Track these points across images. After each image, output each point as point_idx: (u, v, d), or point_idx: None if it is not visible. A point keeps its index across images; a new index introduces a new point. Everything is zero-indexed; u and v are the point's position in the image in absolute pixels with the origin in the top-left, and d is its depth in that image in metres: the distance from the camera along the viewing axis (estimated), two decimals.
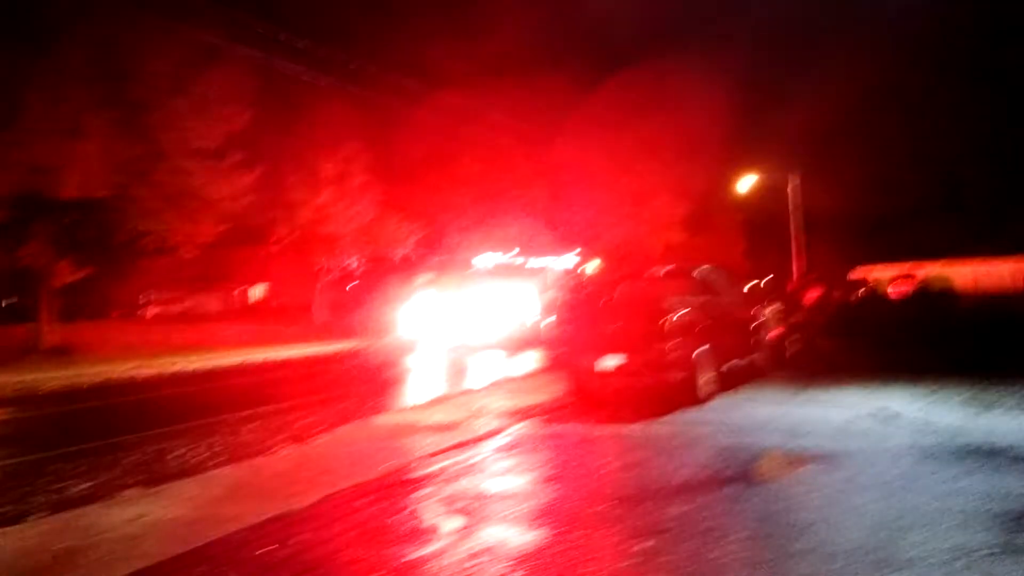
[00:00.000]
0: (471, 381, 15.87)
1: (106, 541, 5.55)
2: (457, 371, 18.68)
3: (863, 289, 37.96)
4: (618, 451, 7.87)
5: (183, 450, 9.32)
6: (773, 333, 13.52)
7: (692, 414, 9.80)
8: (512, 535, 5.31)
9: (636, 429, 8.99)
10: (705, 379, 10.47)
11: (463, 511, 5.91)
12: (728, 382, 11.37)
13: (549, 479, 6.91)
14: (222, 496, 6.70)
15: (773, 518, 5.39)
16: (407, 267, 32.74)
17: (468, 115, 41.34)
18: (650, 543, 4.93)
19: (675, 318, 9.85)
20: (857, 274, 32.70)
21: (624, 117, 47.00)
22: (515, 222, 42.16)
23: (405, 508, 6.06)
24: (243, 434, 10.38)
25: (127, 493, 7.09)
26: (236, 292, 54.45)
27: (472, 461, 7.68)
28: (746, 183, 42.79)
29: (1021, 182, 57.60)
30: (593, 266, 36.03)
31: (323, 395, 14.38)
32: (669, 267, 12.69)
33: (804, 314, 15.42)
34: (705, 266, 12.30)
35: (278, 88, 29.62)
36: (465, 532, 5.39)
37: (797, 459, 7.03)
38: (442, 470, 7.31)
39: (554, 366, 11.34)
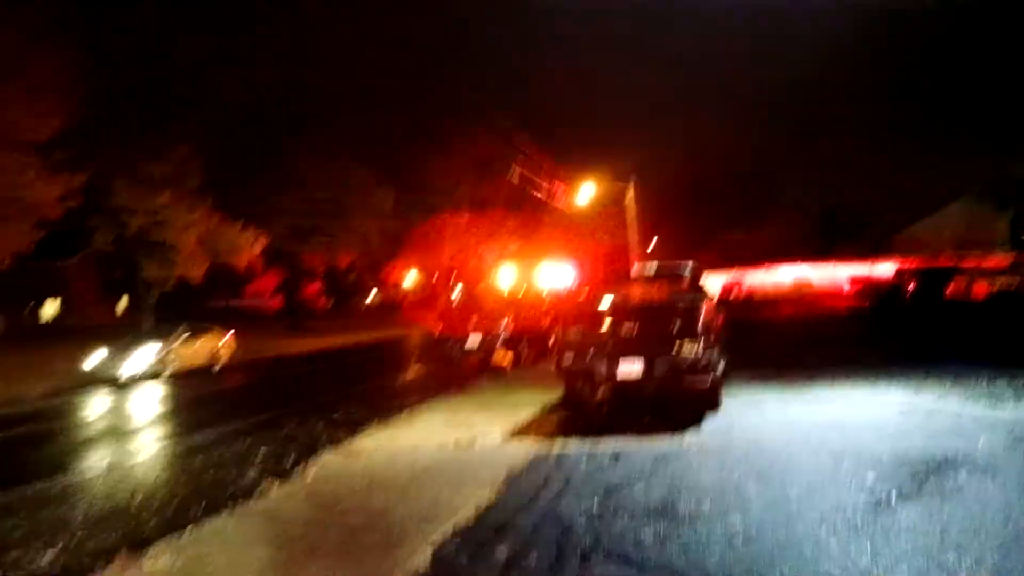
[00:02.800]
0: None
1: None
2: None
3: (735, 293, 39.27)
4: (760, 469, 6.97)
5: None
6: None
7: (743, 420, 9.15)
8: None
9: (710, 441, 8.16)
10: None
11: None
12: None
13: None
14: None
15: None
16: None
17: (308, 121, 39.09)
18: None
19: (698, 318, 9.13)
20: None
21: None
22: (361, 228, 40.37)
23: None
24: None
25: None
26: (26, 311, 48.19)
27: None
28: (585, 192, 43.36)
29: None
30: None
31: None
32: (656, 265, 11.92)
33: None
34: (689, 262, 11.72)
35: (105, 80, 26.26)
36: None
37: (940, 466, 6.47)
38: None
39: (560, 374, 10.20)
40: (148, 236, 27.77)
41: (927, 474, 6.20)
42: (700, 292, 10.97)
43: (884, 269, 47.19)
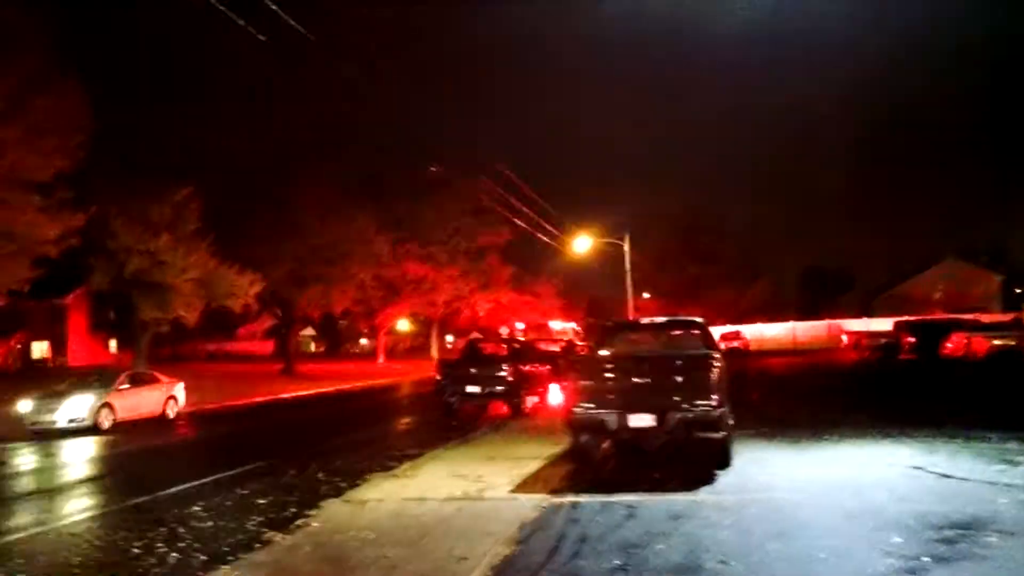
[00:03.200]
0: None
1: None
2: None
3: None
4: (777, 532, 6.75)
5: None
6: None
7: (754, 477, 9.00)
8: None
9: (724, 499, 8.00)
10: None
11: None
12: None
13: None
14: None
15: None
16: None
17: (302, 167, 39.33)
18: None
19: (713, 373, 9.04)
20: None
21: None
22: (358, 275, 40.36)
23: None
24: None
25: None
26: (16, 347, 47.68)
27: None
28: (581, 244, 43.54)
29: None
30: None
31: None
32: (667, 318, 11.82)
33: None
34: (699, 318, 11.65)
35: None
36: None
37: (965, 530, 6.31)
38: None
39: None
40: (146, 277, 27.69)
41: (953, 538, 6.07)
42: (714, 346, 10.88)
43: (879, 325, 47.37)
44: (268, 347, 68.94)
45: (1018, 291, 65.46)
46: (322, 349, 76.70)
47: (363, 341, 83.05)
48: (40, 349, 49.79)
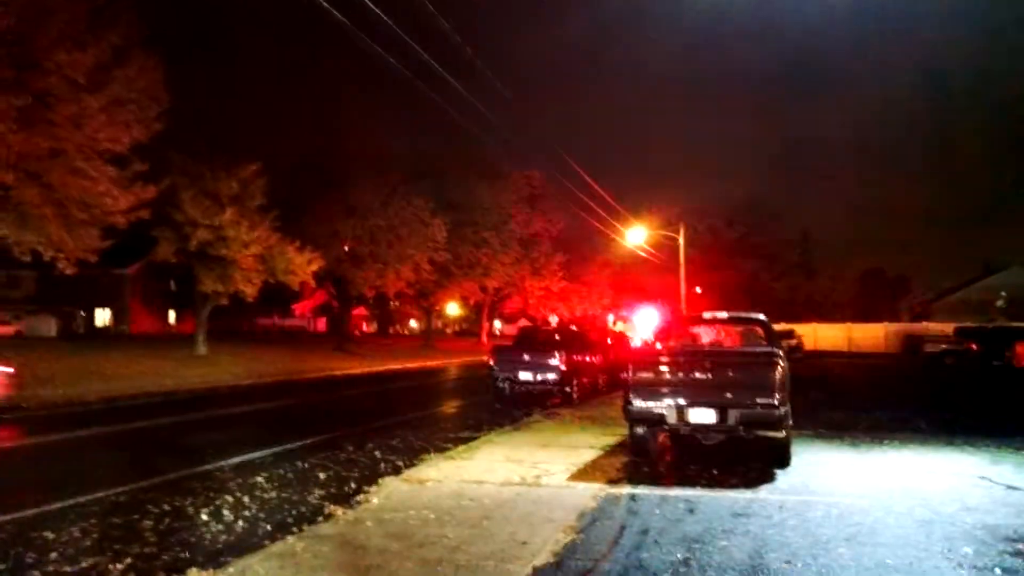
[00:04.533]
0: None
1: None
2: None
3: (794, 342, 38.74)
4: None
5: None
6: None
7: (816, 479, 8.88)
8: None
9: (787, 499, 7.92)
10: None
11: None
12: None
13: None
14: None
15: None
16: None
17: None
18: None
19: (776, 372, 8.93)
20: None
21: None
22: (413, 257, 40.68)
23: None
24: None
25: None
26: (79, 317, 49.17)
27: None
28: (637, 235, 43.31)
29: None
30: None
31: None
32: (732, 313, 11.71)
33: None
34: (762, 315, 11.52)
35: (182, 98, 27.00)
36: None
37: None
38: None
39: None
40: (209, 250, 28.27)
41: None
42: (778, 343, 10.74)
43: (938, 329, 46.27)
44: (322, 325, 69.96)
45: None
46: (372, 330, 77.54)
47: (412, 323, 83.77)
48: (103, 317, 51.26)
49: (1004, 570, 5.51)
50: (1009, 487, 8.47)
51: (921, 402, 19.47)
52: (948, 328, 42.23)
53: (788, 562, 5.70)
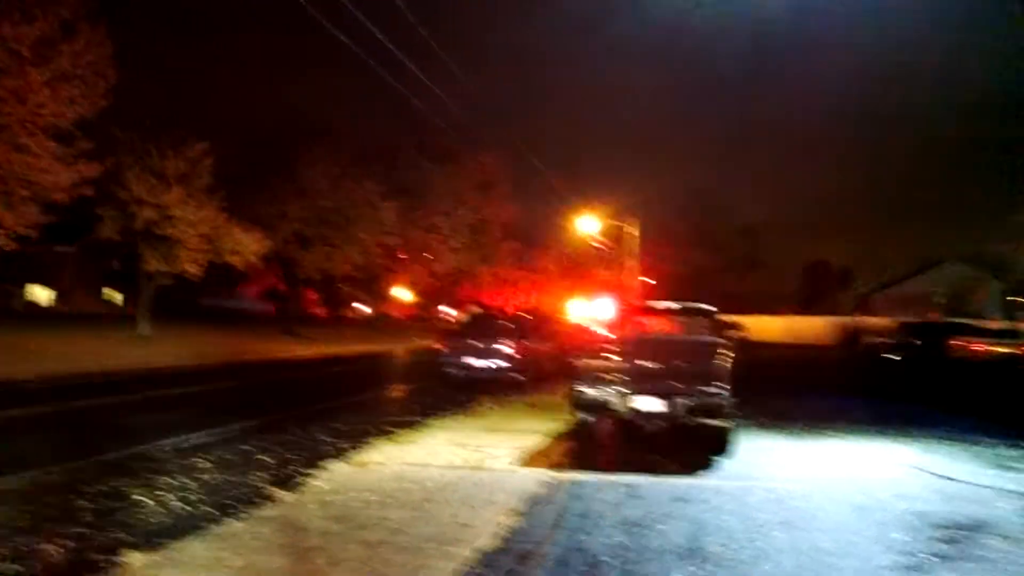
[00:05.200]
0: None
1: None
2: None
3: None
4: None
5: None
6: None
7: (756, 466, 9.06)
8: None
9: (726, 485, 8.07)
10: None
11: None
12: None
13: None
14: None
15: None
16: None
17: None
18: None
19: (723, 362, 9.06)
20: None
21: None
22: (363, 241, 40.31)
23: None
24: None
25: None
26: (18, 295, 47.75)
27: None
28: (588, 224, 43.53)
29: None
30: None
31: None
32: (680, 303, 11.84)
33: None
34: (708, 305, 11.68)
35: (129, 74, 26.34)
36: None
37: (968, 532, 6.33)
38: None
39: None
40: (155, 229, 27.68)
41: (955, 538, 6.13)
42: (724, 334, 10.90)
43: (876, 322, 47.46)
44: (269, 308, 68.97)
45: (1016, 299, 65.33)
46: (323, 313, 76.65)
47: (362, 307, 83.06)
48: (44, 296, 49.90)
49: (933, 555, 5.69)
50: (940, 476, 8.74)
51: (859, 393, 19.96)
52: (886, 321, 43.33)
53: (724, 545, 5.81)
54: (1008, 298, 66.00)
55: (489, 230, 55.17)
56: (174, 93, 27.76)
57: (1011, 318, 52.13)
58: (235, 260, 31.15)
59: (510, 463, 9.07)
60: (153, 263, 28.55)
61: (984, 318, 49.66)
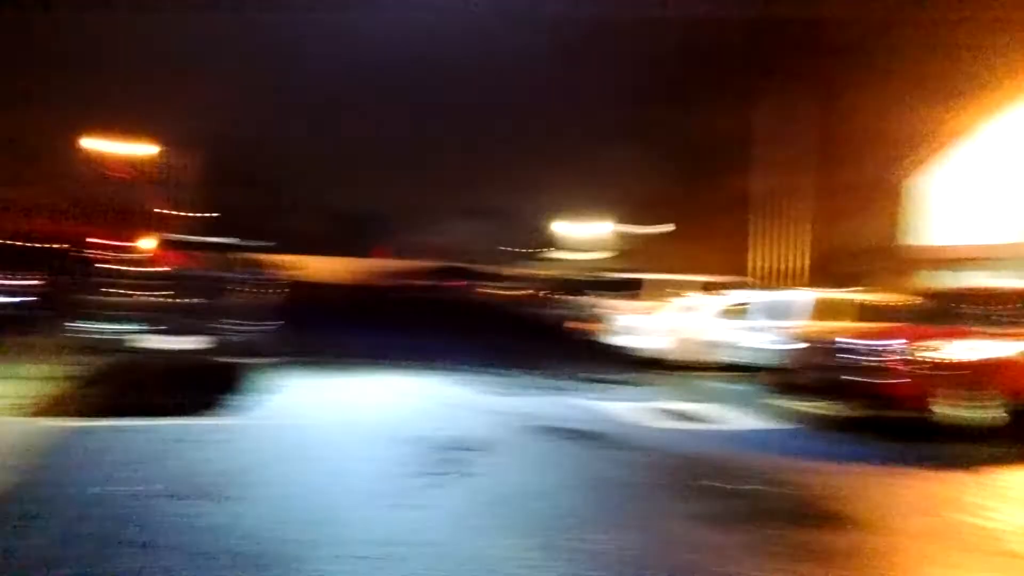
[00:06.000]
0: None
1: None
2: None
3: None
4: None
5: None
6: None
7: (296, 405, 8.86)
8: None
9: (239, 422, 7.74)
10: None
11: None
12: None
13: None
14: None
15: None
16: None
17: None
18: None
19: (257, 298, 8.60)
20: None
21: None
22: None
23: None
24: None
25: None
26: None
27: None
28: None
29: None
30: None
31: None
32: (208, 239, 10.83)
33: None
34: (238, 239, 10.92)
35: None
36: None
37: (462, 449, 6.94)
38: None
39: None
40: None
41: (450, 458, 6.62)
42: (256, 271, 10.44)
43: (408, 266, 50.70)
44: None
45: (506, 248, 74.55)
46: None
47: None
48: None
49: (433, 472, 6.15)
50: (446, 399, 9.54)
51: (397, 331, 20.54)
52: (416, 265, 46.75)
53: (216, 482, 5.60)
54: (500, 248, 75.30)
55: None
56: None
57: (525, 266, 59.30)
58: None
59: None
60: None
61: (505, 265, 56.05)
